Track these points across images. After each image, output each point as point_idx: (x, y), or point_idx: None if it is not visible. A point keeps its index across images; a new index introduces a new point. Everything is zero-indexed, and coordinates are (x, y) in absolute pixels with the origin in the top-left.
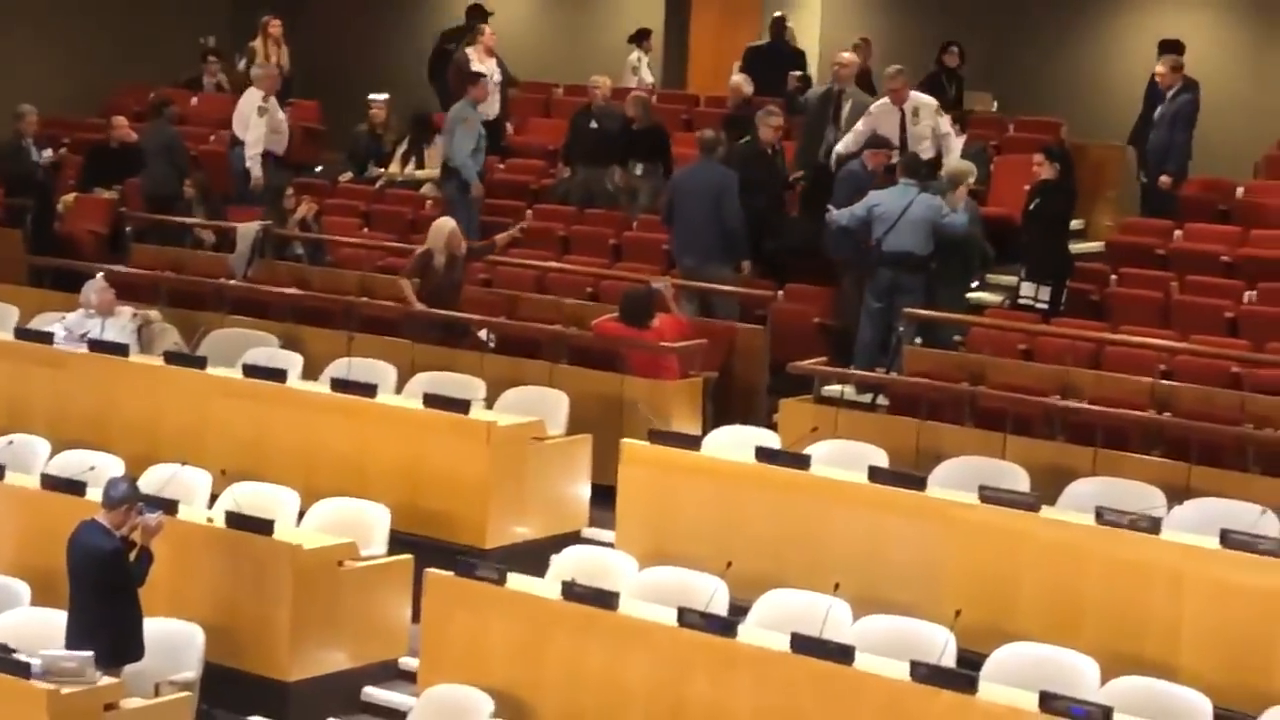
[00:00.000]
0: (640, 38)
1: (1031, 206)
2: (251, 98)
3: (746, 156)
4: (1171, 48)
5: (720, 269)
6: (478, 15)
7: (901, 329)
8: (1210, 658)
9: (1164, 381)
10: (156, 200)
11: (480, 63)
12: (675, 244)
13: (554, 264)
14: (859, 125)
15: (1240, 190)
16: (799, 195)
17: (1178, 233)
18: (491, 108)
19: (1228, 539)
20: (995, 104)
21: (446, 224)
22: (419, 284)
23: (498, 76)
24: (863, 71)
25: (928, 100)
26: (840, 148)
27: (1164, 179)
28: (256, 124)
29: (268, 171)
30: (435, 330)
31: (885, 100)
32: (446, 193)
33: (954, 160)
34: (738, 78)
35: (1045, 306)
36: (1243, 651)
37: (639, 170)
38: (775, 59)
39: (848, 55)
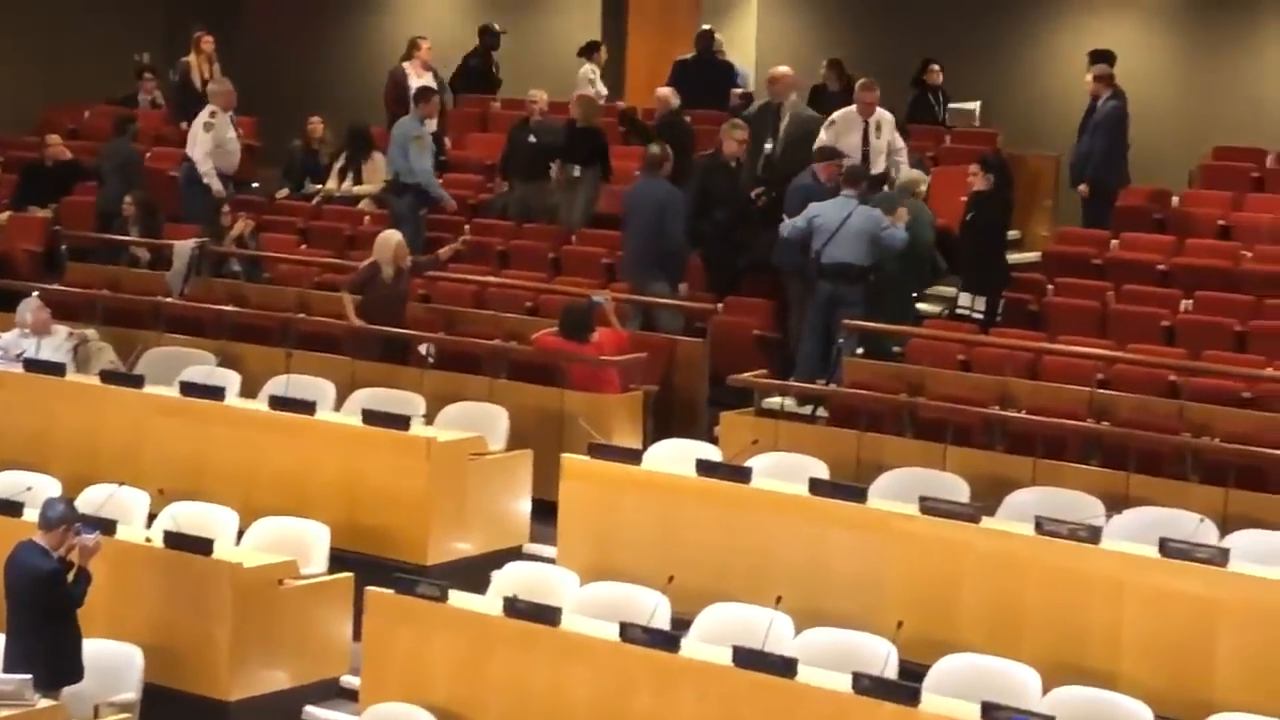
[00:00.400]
0: (590, 51)
1: (968, 217)
2: (202, 114)
3: (709, 170)
4: (1102, 57)
5: (660, 287)
6: (490, 38)
7: (842, 340)
8: (1150, 666)
9: (1102, 391)
10: (108, 217)
11: (418, 77)
12: (621, 259)
13: (493, 279)
14: (823, 135)
15: (1176, 199)
16: (762, 209)
17: (1114, 242)
18: (433, 123)
19: (1166, 547)
20: (978, 112)
21: (393, 235)
22: (361, 298)
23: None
24: (819, 87)
25: (888, 116)
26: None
27: (1082, 187)
28: (203, 139)
29: (209, 190)
30: (377, 346)
31: (851, 110)
32: (397, 209)
33: (906, 172)
34: (664, 90)
35: (981, 316)
36: (1182, 660)
37: (575, 172)
38: (704, 72)
39: (783, 69)
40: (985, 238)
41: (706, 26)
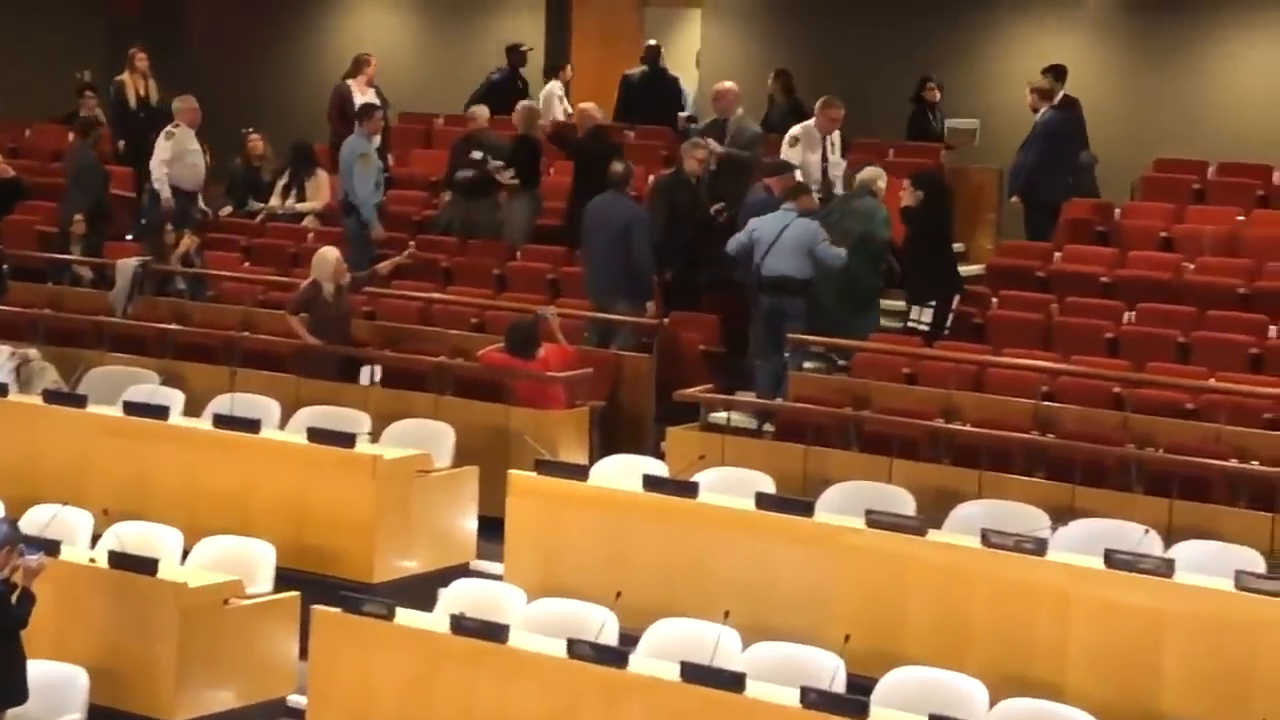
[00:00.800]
0: (555, 70)
1: (907, 232)
2: (168, 126)
3: (672, 187)
4: (1053, 72)
5: (625, 305)
6: (516, 56)
7: (787, 354)
8: (1097, 677)
9: (1046, 403)
10: (65, 227)
11: (361, 94)
12: (584, 277)
13: (438, 295)
14: (787, 151)
15: (1118, 212)
16: (723, 225)
17: (1057, 255)
18: (375, 139)
19: (1112, 559)
20: (978, 131)
21: (330, 252)
22: (306, 317)
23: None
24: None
25: (837, 132)
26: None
27: (1014, 199)
28: (162, 147)
29: (178, 200)
30: (329, 365)
31: (811, 126)
32: (348, 228)
33: (866, 168)
34: (588, 104)
35: (926, 328)
36: (1129, 671)
37: (509, 175)
38: (652, 87)
39: (728, 84)
40: (921, 250)
41: (652, 41)
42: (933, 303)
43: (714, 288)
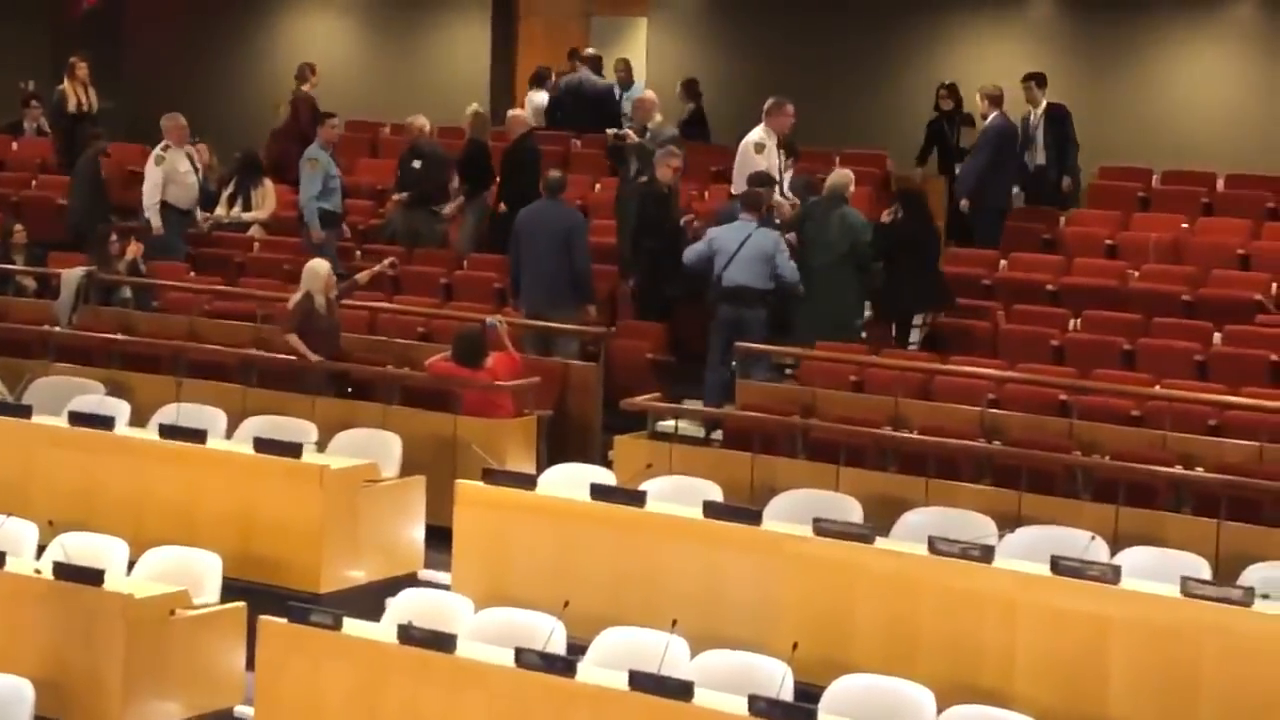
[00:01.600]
0: (541, 79)
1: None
2: (156, 149)
3: (644, 196)
4: (1036, 79)
5: (568, 312)
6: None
7: (735, 363)
8: (1044, 684)
9: (993, 410)
10: (77, 234)
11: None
12: (519, 285)
13: (385, 304)
14: (758, 159)
15: (1064, 219)
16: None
17: (1003, 263)
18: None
19: (1058, 566)
20: None
21: (322, 265)
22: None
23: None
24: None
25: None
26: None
27: (963, 203)
28: (152, 173)
29: (168, 222)
30: (336, 382)
31: (767, 130)
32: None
33: (834, 174)
34: (517, 111)
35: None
36: (1075, 677)
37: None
38: (587, 94)
39: (646, 93)
40: (892, 264)
41: (591, 50)
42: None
43: (684, 299)
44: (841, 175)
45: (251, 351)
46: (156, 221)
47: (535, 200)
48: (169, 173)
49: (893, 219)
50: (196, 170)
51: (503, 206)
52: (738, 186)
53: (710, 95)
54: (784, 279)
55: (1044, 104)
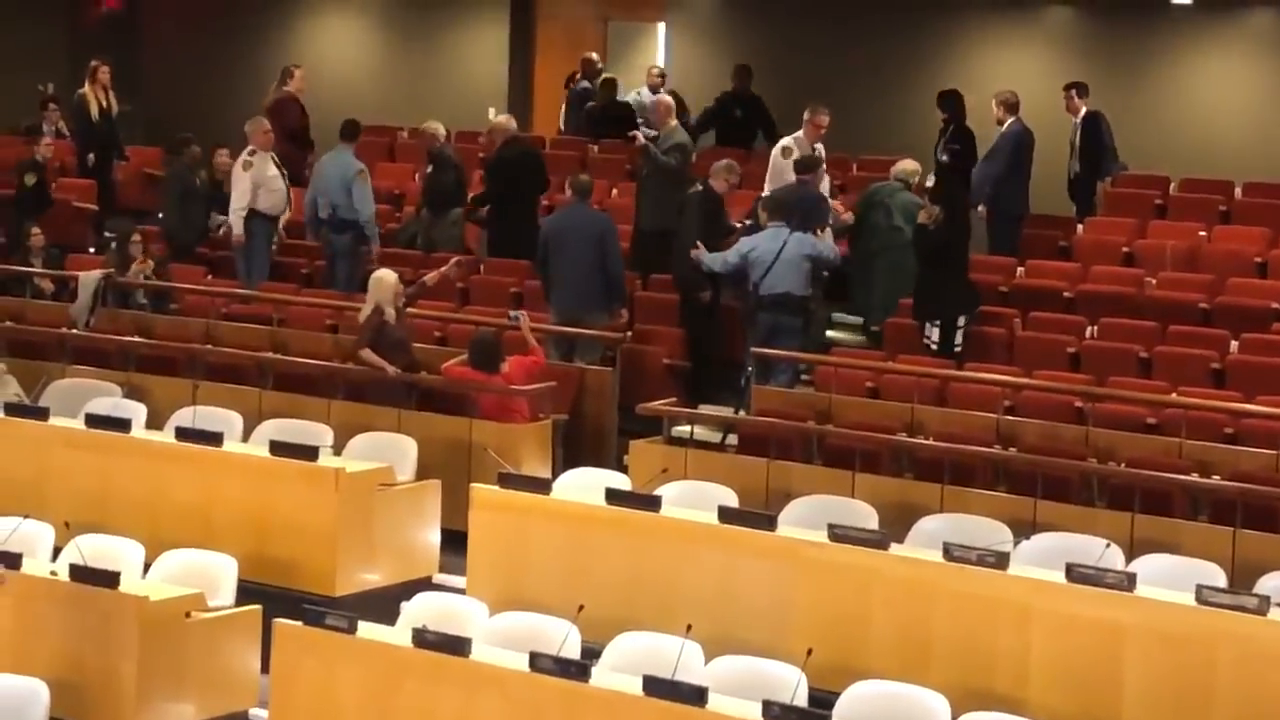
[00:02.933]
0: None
1: (922, 249)
2: (242, 154)
3: (699, 204)
4: (1078, 88)
5: (599, 315)
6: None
7: (750, 369)
8: (1058, 691)
9: (1008, 417)
10: (173, 244)
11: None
12: (549, 290)
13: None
14: (782, 161)
15: (1080, 227)
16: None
17: (1020, 269)
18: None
19: (1073, 573)
20: None
21: (389, 275)
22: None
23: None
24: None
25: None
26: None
27: (980, 209)
28: (241, 178)
29: (256, 231)
30: (415, 395)
31: (801, 136)
32: (338, 245)
33: (903, 163)
34: (502, 117)
35: (935, 346)
36: (1090, 685)
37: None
38: (609, 116)
39: (662, 97)
40: (934, 268)
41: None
42: (940, 319)
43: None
44: (911, 163)
45: (268, 355)
46: (239, 229)
47: (517, 205)
48: (258, 178)
49: (932, 222)
50: (283, 175)
51: (483, 211)
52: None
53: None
54: (829, 263)
55: (1084, 111)
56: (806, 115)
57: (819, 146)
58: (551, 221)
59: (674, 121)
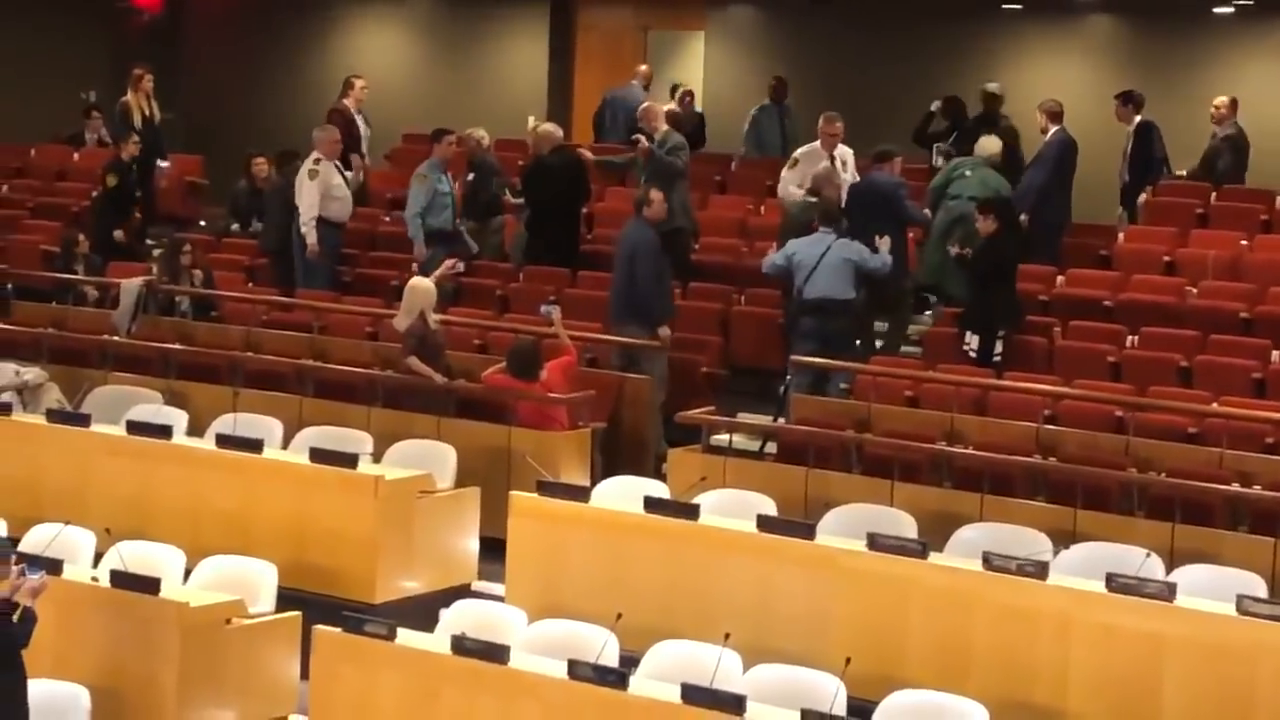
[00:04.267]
0: (672, 91)
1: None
2: (306, 163)
3: (806, 210)
4: (1134, 101)
5: (636, 331)
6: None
7: (790, 377)
8: (1097, 701)
9: (1049, 426)
10: (272, 256)
11: (353, 114)
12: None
13: (440, 316)
14: (788, 172)
15: (1121, 236)
16: None
17: (1060, 279)
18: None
19: (1113, 583)
20: None
21: (424, 282)
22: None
23: (366, 129)
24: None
25: (849, 150)
26: (782, 192)
27: (1021, 217)
28: (309, 189)
29: (324, 239)
30: (454, 402)
31: (815, 145)
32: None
33: (984, 141)
34: (549, 124)
35: (975, 355)
36: (1129, 694)
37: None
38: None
39: (648, 104)
40: (986, 279)
41: (686, 88)
42: (980, 330)
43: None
44: (992, 139)
45: (308, 362)
46: (313, 239)
47: (559, 213)
48: (324, 188)
49: (989, 231)
50: (348, 183)
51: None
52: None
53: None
54: (874, 271)
55: (1136, 121)
56: (820, 125)
57: (842, 150)
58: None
59: (664, 124)
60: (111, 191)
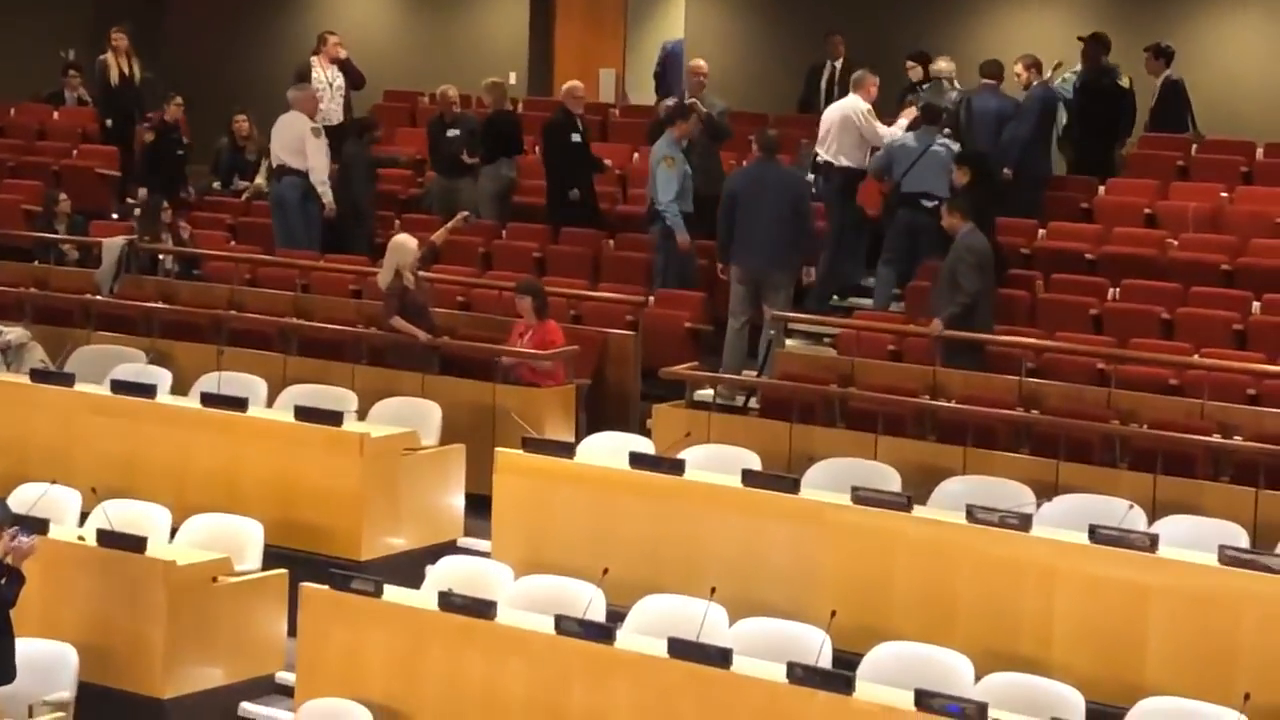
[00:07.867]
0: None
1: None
2: (296, 123)
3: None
4: (1166, 55)
5: (789, 273)
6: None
7: (772, 332)
8: (1082, 652)
9: (1031, 379)
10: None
11: (323, 70)
12: (733, 246)
13: (422, 273)
14: (881, 129)
15: (1103, 189)
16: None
17: (1041, 232)
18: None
19: (1096, 534)
20: None
21: (410, 240)
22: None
23: (340, 83)
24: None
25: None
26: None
27: (1005, 172)
28: (316, 148)
29: (297, 196)
30: (438, 359)
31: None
32: (659, 240)
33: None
34: (574, 83)
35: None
36: (1113, 645)
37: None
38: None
39: (696, 62)
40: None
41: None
42: None
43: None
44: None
45: (292, 320)
46: (329, 198)
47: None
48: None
49: (962, 182)
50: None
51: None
52: (841, 149)
53: (750, 68)
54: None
55: (1164, 76)
56: (856, 82)
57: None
58: (739, 179)
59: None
60: (147, 149)
